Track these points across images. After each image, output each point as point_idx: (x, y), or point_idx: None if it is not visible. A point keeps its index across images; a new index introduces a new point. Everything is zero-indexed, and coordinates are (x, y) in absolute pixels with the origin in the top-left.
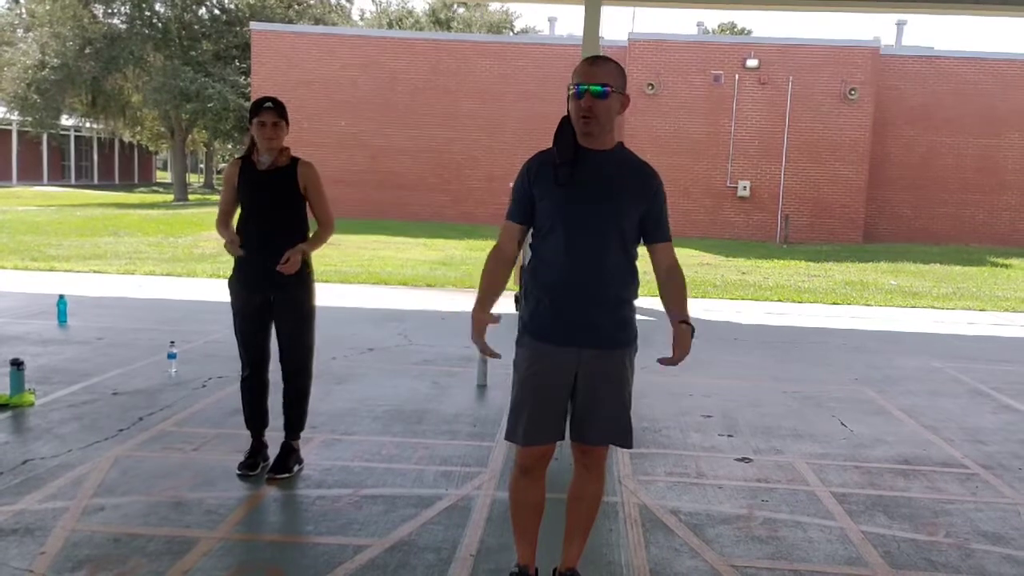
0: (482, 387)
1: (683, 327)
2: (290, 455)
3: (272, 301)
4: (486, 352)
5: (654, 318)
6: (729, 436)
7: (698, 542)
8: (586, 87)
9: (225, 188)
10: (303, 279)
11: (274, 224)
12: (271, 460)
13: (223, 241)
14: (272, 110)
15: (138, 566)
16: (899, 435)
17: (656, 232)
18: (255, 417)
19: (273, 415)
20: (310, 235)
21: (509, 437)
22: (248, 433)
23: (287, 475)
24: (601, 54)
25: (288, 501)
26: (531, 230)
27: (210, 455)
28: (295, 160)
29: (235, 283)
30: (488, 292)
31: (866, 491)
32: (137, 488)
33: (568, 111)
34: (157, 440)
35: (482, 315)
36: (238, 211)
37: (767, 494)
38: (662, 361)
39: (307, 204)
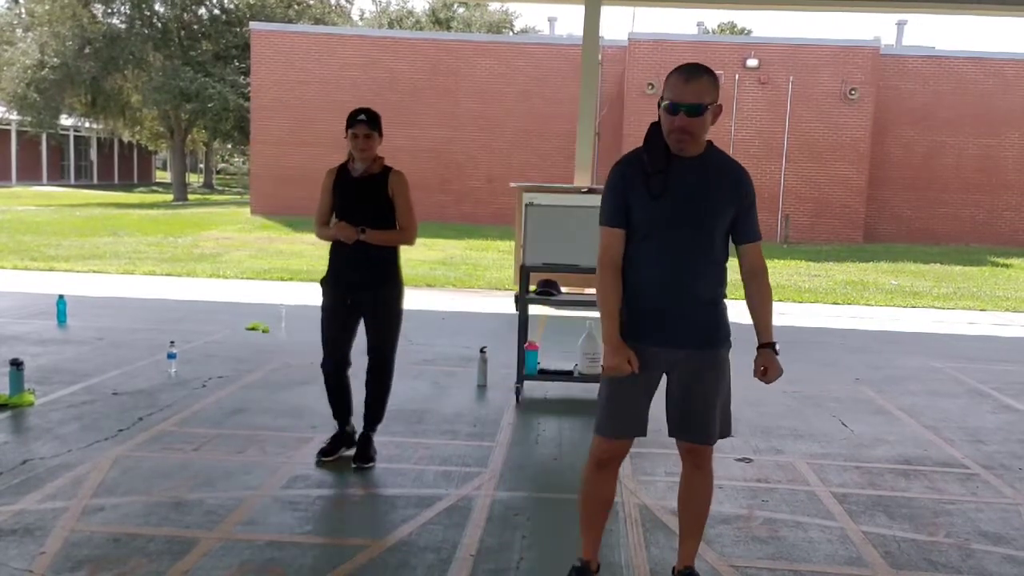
0: (482, 387)
1: (768, 352)
2: (370, 444)
3: (363, 302)
4: (634, 363)
5: None
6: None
7: None
8: (680, 107)
9: (322, 197)
10: (392, 281)
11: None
12: (355, 450)
13: (330, 242)
14: (365, 123)
15: (138, 566)
16: (899, 435)
17: (746, 232)
18: (340, 409)
19: (278, 410)
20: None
21: (599, 431)
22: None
23: (371, 464)
24: (698, 64)
25: (288, 501)
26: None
27: (210, 455)
28: (387, 169)
29: (326, 284)
30: (616, 312)
31: (866, 491)
32: (137, 488)
33: (659, 119)
34: (157, 440)
35: (621, 343)
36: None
37: (767, 494)
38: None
39: (395, 212)
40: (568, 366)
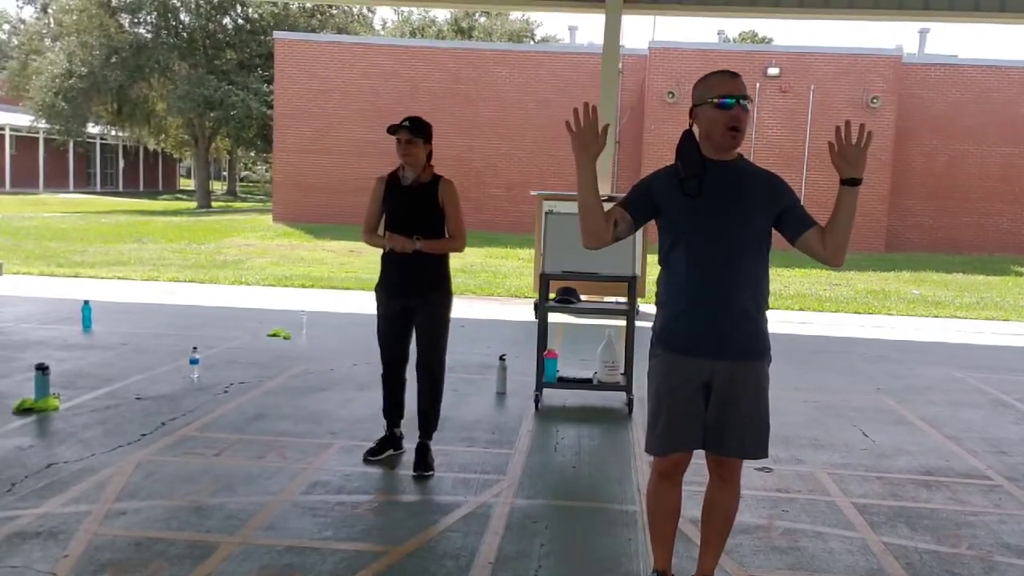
0: (501, 394)
1: (848, 189)
2: (428, 453)
3: (414, 308)
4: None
5: None
6: None
7: None
8: (735, 99)
9: (371, 202)
10: (442, 288)
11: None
12: (404, 452)
13: (380, 247)
14: (407, 128)
15: (159, 570)
16: (921, 446)
17: (801, 225)
18: (392, 409)
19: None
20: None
21: (648, 449)
22: (383, 424)
23: (431, 473)
24: (732, 70)
25: (307, 507)
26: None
27: (231, 460)
28: (438, 177)
29: (380, 290)
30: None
31: (888, 502)
32: (159, 492)
33: (696, 125)
34: (179, 445)
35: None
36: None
37: (787, 504)
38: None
39: (444, 219)
40: (587, 374)
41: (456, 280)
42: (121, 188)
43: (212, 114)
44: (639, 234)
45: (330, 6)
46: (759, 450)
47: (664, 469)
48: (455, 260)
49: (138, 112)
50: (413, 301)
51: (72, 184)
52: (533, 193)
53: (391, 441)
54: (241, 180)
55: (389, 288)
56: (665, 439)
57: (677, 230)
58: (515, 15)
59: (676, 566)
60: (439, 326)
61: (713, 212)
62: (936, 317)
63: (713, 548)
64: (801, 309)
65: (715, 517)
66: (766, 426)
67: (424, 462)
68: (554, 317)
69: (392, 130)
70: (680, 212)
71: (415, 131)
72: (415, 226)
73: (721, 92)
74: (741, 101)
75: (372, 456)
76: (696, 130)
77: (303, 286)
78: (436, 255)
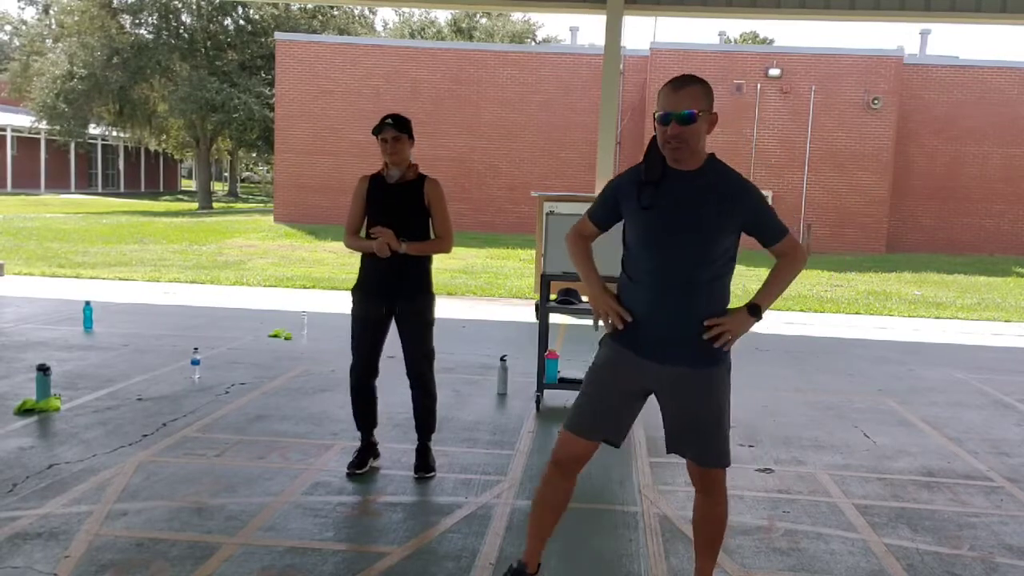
0: (502, 395)
1: (742, 312)
2: (429, 454)
3: (395, 312)
4: (621, 312)
5: None
6: (750, 446)
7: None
8: (671, 115)
9: (353, 203)
10: (425, 290)
11: (399, 236)
12: (381, 458)
13: (363, 252)
14: (392, 126)
15: (160, 570)
16: (922, 447)
17: (768, 235)
18: (365, 419)
19: (311, 417)
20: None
21: (565, 423)
22: (357, 432)
23: (432, 474)
24: (690, 75)
25: (308, 507)
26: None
27: (232, 461)
28: (423, 177)
29: (359, 292)
30: (590, 262)
31: (889, 503)
32: (160, 493)
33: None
34: (180, 446)
35: (603, 288)
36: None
37: (788, 505)
38: (707, 323)
39: (429, 219)
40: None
41: (457, 281)
42: (122, 189)
43: (214, 116)
44: None
45: (331, 7)
46: (717, 458)
47: (560, 458)
48: (456, 262)
49: (139, 113)
50: (398, 305)
51: (73, 185)
52: (534, 194)
53: (370, 450)
54: (242, 181)
55: (371, 290)
56: (577, 418)
57: (636, 237)
58: (516, 16)
59: (677, 568)
60: (425, 329)
61: (669, 222)
62: (937, 318)
63: (708, 556)
64: (802, 310)
65: (703, 529)
66: (723, 434)
67: (425, 464)
68: (555, 318)
69: (376, 130)
70: (638, 220)
71: (400, 128)
72: (400, 225)
73: (661, 106)
74: (677, 117)
75: (357, 470)
76: None
77: (304, 287)
78: (419, 257)
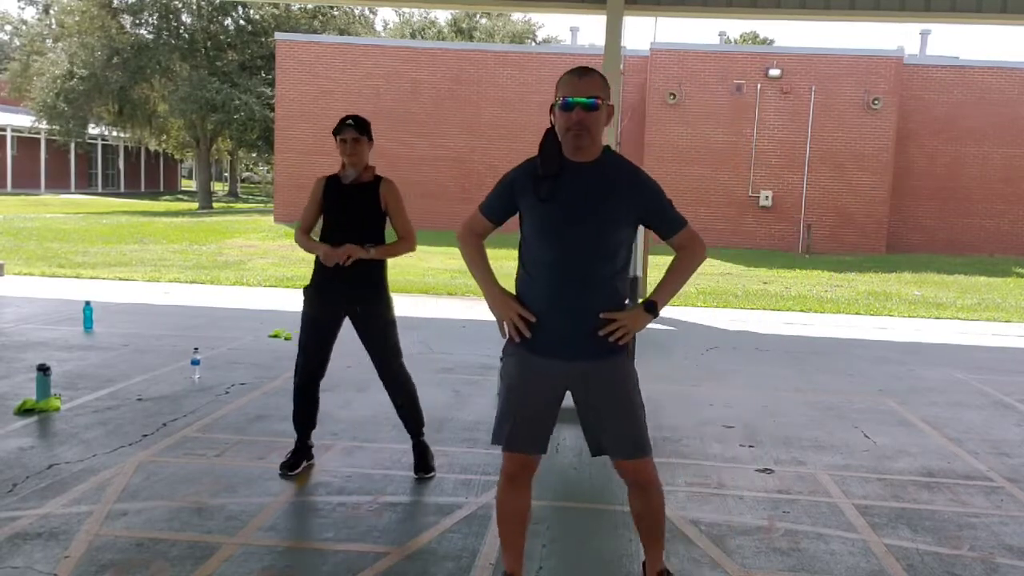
0: None
1: (639, 310)
2: (427, 452)
3: (353, 316)
4: (524, 314)
5: (673, 327)
6: (750, 447)
7: (719, 553)
8: (575, 100)
9: (309, 203)
10: (380, 292)
11: (354, 239)
12: (315, 461)
13: (313, 253)
14: (352, 127)
15: (160, 570)
16: (923, 447)
17: (666, 227)
18: (304, 421)
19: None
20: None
21: (495, 440)
22: (294, 433)
23: (432, 474)
24: (587, 65)
25: (308, 508)
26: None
27: (232, 461)
28: (379, 178)
29: (312, 293)
30: (486, 267)
31: (889, 503)
32: (160, 493)
33: (552, 123)
34: (180, 446)
35: (501, 293)
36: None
37: (789, 505)
38: (604, 315)
39: (385, 221)
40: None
41: (457, 282)
42: (122, 189)
43: (214, 116)
44: (640, 235)
45: (331, 7)
46: (637, 448)
47: (511, 471)
48: (456, 262)
49: (139, 113)
50: (355, 308)
51: (73, 185)
52: None
53: (304, 452)
54: (242, 181)
55: (324, 291)
56: (512, 437)
57: (534, 231)
58: (517, 16)
59: (678, 568)
60: (388, 327)
61: (566, 217)
62: (937, 318)
63: (654, 546)
64: (802, 310)
65: (643, 523)
66: (639, 422)
67: (424, 463)
68: None
69: (337, 131)
70: (536, 214)
71: (361, 129)
72: (356, 227)
73: (564, 93)
74: (582, 102)
75: (290, 471)
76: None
77: (304, 287)
78: (374, 260)
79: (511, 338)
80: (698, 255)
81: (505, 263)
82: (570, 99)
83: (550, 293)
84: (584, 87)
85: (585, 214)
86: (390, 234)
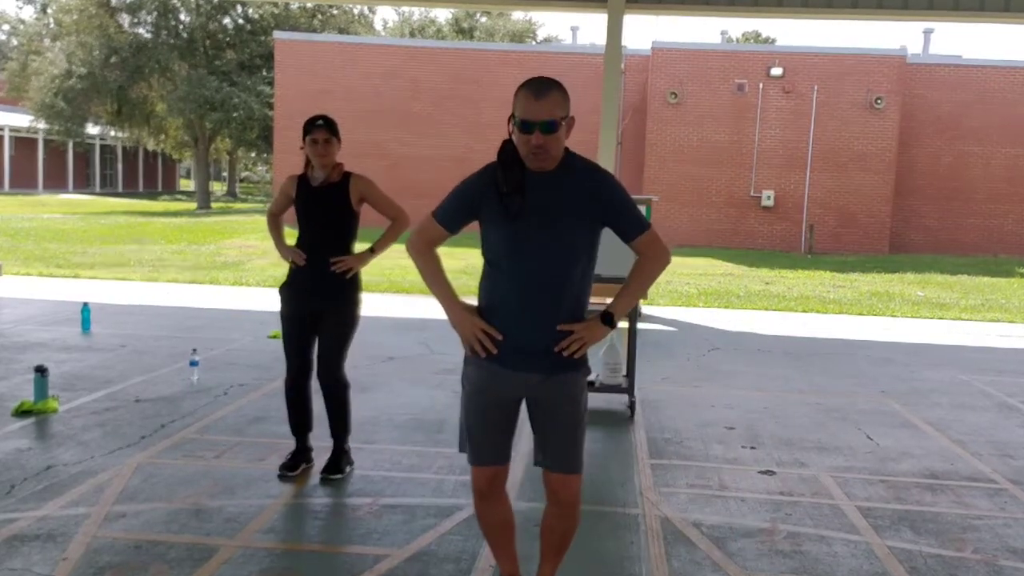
0: None
1: (595, 321)
2: (341, 457)
3: (323, 311)
4: (489, 331)
5: (675, 328)
6: (752, 448)
7: (720, 555)
8: (534, 125)
9: (279, 195)
10: (350, 295)
11: (324, 239)
12: (314, 463)
13: (277, 248)
14: (323, 127)
15: (159, 573)
16: (926, 449)
17: (625, 226)
18: (298, 423)
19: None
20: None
21: (462, 449)
22: (292, 436)
23: (339, 476)
24: (545, 78)
25: (308, 510)
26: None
27: (231, 463)
28: (348, 175)
29: (286, 292)
30: (444, 280)
31: (892, 505)
32: (158, 495)
33: (511, 137)
34: (178, 447)
35: (463, 310)
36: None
37: (791, 507)
38: (561, 327)
39: (358, 219)
40: (590, 376)
41: (457, 282)
42: (120, 189)
43: (213, 115)
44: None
45: (331, 6)
46: (573, 464)
47: (481, 487)
48: (456, 262)
49: (138, 113)
50: (325, 305)
51: (71, 185)
52: None
53: (303, 454)
54: (241, 181)
55: (296, 291)
56: (476, 450)
57: (498, 245)
58: (517, 15)
59: (679, 570)
60: (347, 330)
61: (533, 229)
62: (941, 319)
63: (551, 561)
64: (805, 311)
65: (551, 538)
66: (580, 440)
67: (336, 465)
68: None
69: (307, 130)
70: (501, 228)
71: (331, 129)
72: (325, 229)
73: (521, 115)
74: (540, 126)
75: (289, 472)
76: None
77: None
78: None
79: (471, 347)
80: (660, 262)
81: (474, 261)
82: (527, 123)
83: (514, 306)
84: (542, 109)
85: (548, 226)
86: (363, 233)
